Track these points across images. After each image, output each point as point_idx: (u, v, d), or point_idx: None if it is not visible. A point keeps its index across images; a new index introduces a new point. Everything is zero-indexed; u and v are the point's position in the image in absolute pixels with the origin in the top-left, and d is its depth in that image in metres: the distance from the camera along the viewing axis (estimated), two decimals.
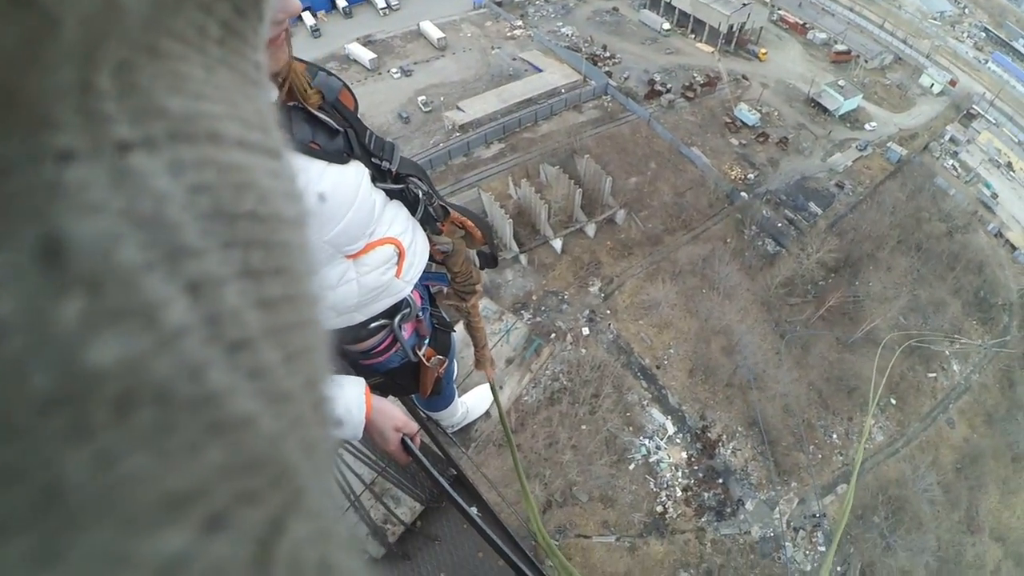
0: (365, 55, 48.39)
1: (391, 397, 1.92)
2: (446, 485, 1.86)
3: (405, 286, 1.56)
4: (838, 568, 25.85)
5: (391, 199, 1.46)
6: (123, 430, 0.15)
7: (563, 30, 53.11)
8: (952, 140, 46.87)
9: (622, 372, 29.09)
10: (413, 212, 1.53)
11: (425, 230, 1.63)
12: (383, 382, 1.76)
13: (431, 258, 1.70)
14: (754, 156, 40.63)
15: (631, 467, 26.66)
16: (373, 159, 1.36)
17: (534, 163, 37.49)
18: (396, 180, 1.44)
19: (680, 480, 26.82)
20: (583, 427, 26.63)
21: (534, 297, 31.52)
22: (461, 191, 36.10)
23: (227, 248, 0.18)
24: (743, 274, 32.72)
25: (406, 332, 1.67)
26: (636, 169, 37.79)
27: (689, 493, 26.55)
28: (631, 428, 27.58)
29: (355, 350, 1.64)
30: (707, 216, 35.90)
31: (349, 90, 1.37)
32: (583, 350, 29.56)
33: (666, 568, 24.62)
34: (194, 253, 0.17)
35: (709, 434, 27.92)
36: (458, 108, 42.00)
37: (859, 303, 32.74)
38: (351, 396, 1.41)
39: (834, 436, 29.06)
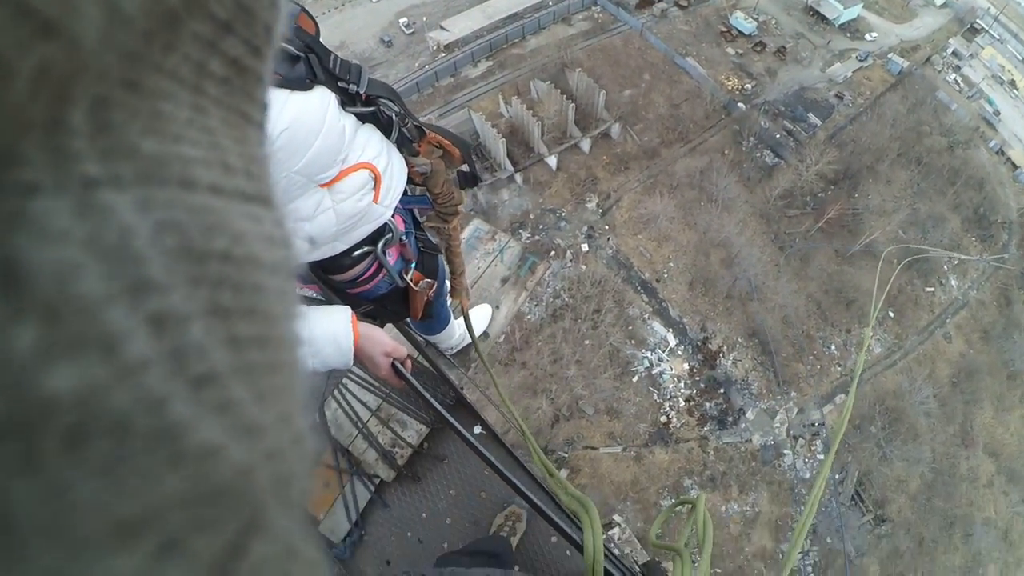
0: None
1: (388, 325, 1.92)
2: (439, 408, 1.88)
3: (384, 211, 1.57)
4: (836, 476, 26.65)
5: (363, 123, 1.43)
6: (75, 460, 0.15)
7: None
8: (955, 54, 46.13)
9: (622, 287, 29.32)
10: (387, 135, 1.51)
11: (401, 152, 1.62)
12: (373, 309, 1.79)
13: (411, 180, 1.70)
14: (751, 66, 39.96)
15: (635, 379, 27.13)
16: (339, 83, 1.33)
17: (524, 80, 36.74)
18: (366, 103, 1.41)
19: (683, 391, 27.35)
20: (586, 342, 26.94)
21: (531, 216, 31.38)
22: (451, 112, 35.56)
23: (194, 285, 0.18)
24: (741, 186, 32.56)
25: (391, 257, 1.70)
26: (630, 81, 37.11)
27: (692, 403, 27.11)
28: (633, 341, 27.92)
29: (342, 279, 1.66)
30: (704, 128, 35.50)
31: (308, 14, 1.34)
32: (583, 266, 29.78)
33: (671, 475, 25.36)
34: (158, 288, 0.17)
35: (710, 345, 28.34)
36: (441, 27, 40.65)
37: (858, 216, 32.80)
38: (338, 324, 1.40)
39: (832, 347, 29.56)
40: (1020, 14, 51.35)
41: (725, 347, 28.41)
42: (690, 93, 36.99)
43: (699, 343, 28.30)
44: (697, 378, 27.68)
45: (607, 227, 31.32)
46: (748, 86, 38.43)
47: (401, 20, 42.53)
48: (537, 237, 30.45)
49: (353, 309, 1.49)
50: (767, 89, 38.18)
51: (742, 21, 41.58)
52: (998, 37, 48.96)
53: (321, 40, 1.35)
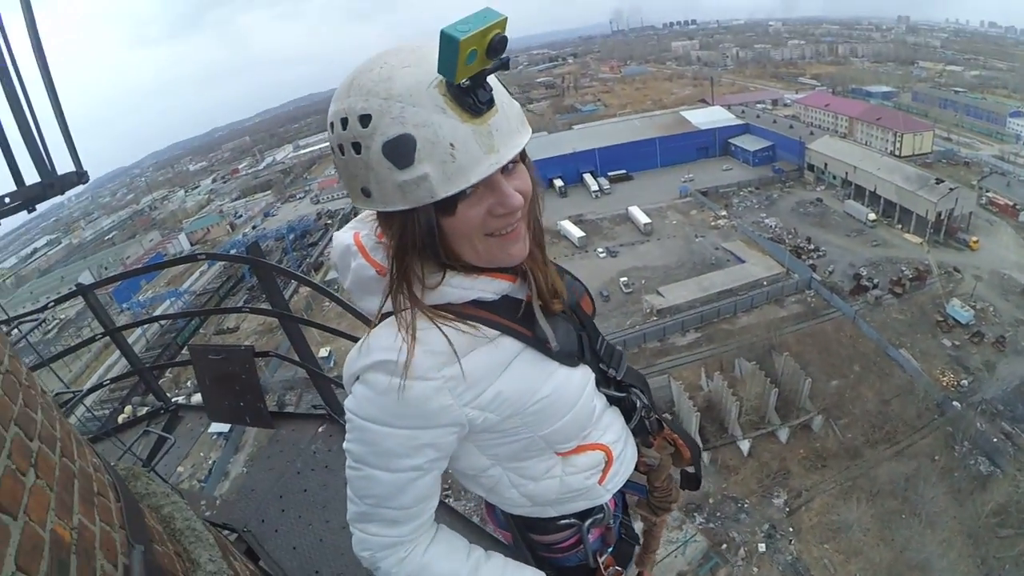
0: (575, 232, 60.62)
1: None
2: None
3: (605, 493, 1.71)
4: None
5: (610, 405, 1.66)
6: None
7: (767, 221, 61.20)
8: None
9: None
10: (628, 421, 1.73)
11: (636, 440, 1.81)
12: None
13: (637, 468, 1.86)
14: (968, 359, 41.61)
15: None
16: (600, 364, 1.58)
17: (729, 356, 41.89)
18: (618, 388, 1.65)
19: None
20: None
21: (711, 500, 32.85)
22: (651, 376, 37.69)
23: None
24: (950, 498, 32.56)
25: (592, 536, 1.82)
26: (838, 371, 40.74)
27: None
28: None
29: (538, 540, 1.81)
30: (914, 429, 36.87)
31: (590, 296, 1.65)
32: (755, 568, 30.03)
33: None
34: None
35: None
36: (658, 292, 50.01)
37: None
38: None
39: None
40: None
41: None
42: (901, 388, 39.58)
43: None
44: None
45: (791, 529, 31.84)
46: (964, 382, 40.29)
47: (622, 279, 53.28)
48: (712, 525, 31.54)
49: None
50: (985, 385, 39.57)
51: (959, 310, 44.87)
52: None
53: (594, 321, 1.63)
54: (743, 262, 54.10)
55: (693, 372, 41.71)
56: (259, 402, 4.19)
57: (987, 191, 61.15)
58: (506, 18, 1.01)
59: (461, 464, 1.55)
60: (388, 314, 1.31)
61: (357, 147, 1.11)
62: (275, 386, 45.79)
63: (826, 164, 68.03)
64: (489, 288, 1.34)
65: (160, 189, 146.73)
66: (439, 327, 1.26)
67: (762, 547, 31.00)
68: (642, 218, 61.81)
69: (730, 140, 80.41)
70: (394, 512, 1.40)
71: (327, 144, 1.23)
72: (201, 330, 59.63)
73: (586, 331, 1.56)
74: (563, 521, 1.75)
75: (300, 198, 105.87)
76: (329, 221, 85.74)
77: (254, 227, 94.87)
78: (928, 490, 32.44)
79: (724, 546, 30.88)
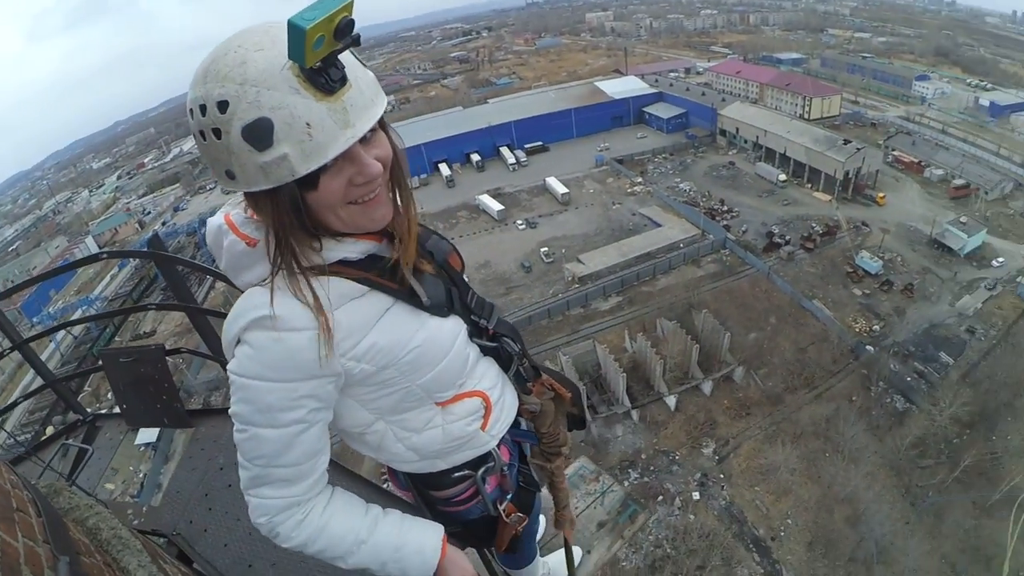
0: (494, 206, 60.11)
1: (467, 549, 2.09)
2: None
3: (490, 440, 1.79)
4: None
5: (484, 355, 1.73)
6: None
7: (681, 186, 62.70)
8: None
9: (733, 543, 29.81)
10: (505, 370, 1.80)
11: (515, 388, 1.87)
12: (460, 532, 1.95)
13: (521, 416, 1.95)
14: (878, 306, 44.09)
15: None
16: (472, 316, 1.65)
17: (651, 317, 43.02)
18: (492, 339, 1.72)
19: None
20: None
21: (643, 456, 34.07)
22: (576, 342, 42.00)
23: None
24: (870, 435, 34.40)
25: (489, 486, 1.89)
26: (755, 324, 42.44)
27: None
28: None
29: (437, 495, 1.88)
30: (831, 373, 38.90)
31: (458, 253, 1.72)
32: (691, 516, 30.91)
33: None
34: None
35: None
36: (578, 260, 50.59)
37: (997, 460, 32.69)
38: (427, 539, 1.66)
39: None
40: None
41: None
42: (816, 336, 41.48)
43: None
44: None
45: (722, 476, 33.26)
46: (876, 327, 42.51)
47: (542, 249, 53.29)
48: (646, 479, 32.72)
49: None
50: (896, 329, 41.80)
51: (868, 261, 47.21)
52: None
53: (465, 276, 1.72)
54: (660, 226, 55.10)
55: (617, 335, 42.51)
56: (175, 402, 4.07)
57: (893, 150, 64.52)
58: (352, 1, 1.03)
59: (345, 422, 1.58)
60: None
61: (217, 132, 1.14)
62: (199, 388, 44.28)
63: (737, 129, 69.96)
64: (355, 249, 1.39)
65: (63, 191, 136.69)
66: (309, 283, 1.29)
67: (696, 495, 32.24)
68: (560, 188, 61.93)
69: (644, 109, 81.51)
70: (285, 471, 1.40)
71: None
72: (117, 337, 56.77)
73: (456, 286, 1.61)
74: (457, 474, 1.81)
75: (211, 189, 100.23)
76: None
77: (164, 223, 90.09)
78: (848, 429, 34.03)
79: (660, 498, 31.89)
